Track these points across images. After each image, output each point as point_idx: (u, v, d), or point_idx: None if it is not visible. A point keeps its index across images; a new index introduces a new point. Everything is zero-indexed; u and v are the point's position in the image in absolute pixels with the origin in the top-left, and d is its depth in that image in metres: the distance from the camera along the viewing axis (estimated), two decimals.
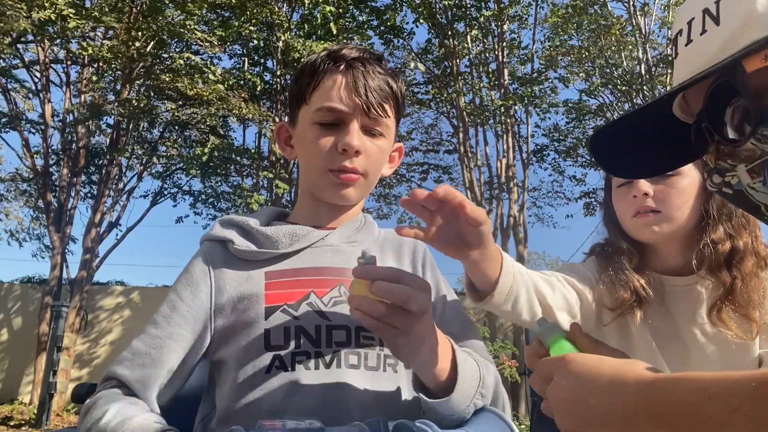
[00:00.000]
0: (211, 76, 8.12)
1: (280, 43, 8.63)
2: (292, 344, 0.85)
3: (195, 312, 0.89)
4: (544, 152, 12.56)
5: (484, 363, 0.88)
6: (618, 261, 1.23)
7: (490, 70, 10.87)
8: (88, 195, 10.54)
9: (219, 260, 0.94)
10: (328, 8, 8.28)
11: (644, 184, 1.17)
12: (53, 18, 7.18)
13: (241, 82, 9.14)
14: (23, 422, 7.36)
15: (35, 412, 7.21)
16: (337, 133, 0.91)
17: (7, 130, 9.86)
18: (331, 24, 8.37)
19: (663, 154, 0.71)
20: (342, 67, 0.92)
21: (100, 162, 10.09)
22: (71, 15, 7.22)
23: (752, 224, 1.18)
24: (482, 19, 10.18)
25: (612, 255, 1.25)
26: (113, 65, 8.20)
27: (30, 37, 8.54)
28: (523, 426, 7.37)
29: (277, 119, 8.21)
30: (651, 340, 1.19)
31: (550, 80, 11.14)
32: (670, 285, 1.21)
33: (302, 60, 1.04)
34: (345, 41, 8.41)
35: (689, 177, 1.17)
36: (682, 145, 0.66)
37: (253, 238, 0.95)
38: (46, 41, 8.56)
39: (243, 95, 8.49)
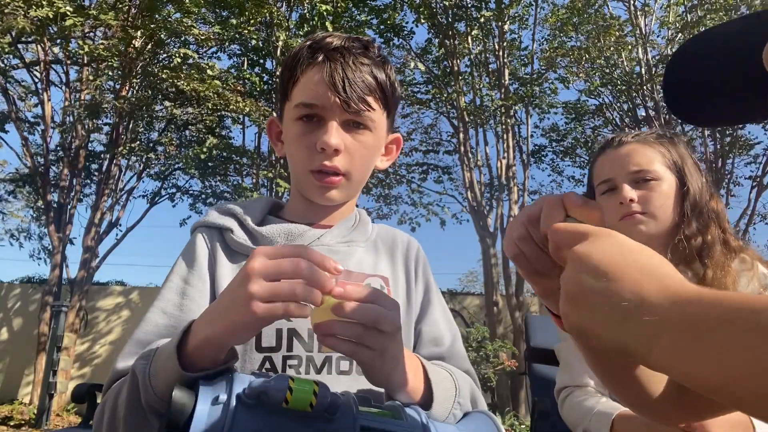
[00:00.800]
0: (209, 71, 8.11)
1: (280, 43, 8.63)
2: (284, 347, 0.83)
3: (206, 299, 0.86)
4: (543, 153, 12.56)
5: (457, 372, 0.87)
6: None
7: (490, 70, 10.87)
8: (88, 195, 10.52)
9: (218, 249, 0.91)
10: (324, 7, 8.28)
11: (629, 191, 1.27)
12: (51, 16, 7.17)
13: (241, 81, 9.15)
14: (23, 422, 7.35)
15: (35, 412, 7.21)
16: (317, 130, 0.88)
17: (7, 130, 9.85)
18: (327, 23, 8.36)
19: (734, 105, 0.62)
20: (320, 58, 0.87)
21: (100, 162, 10.08)
22: (69, 12, 7.22)
23: (720, 217, 1.28)
24: (482, 19, 10.18)
25: None
26: (111, 63, 8.19)
27: (30, 38, 8.53)
28: (523, 426, 7.37)
29: (275, 115, 8.18)
30: None
31: (549, 81, 11.14)
32: None
33: None
34: None
35: (667, 181, 1.29)
36: (755, 100, 0.57)
37: (249, 233, 0.92)
38: (46, 41, 8.56)
39: (239, 88, 8.48)
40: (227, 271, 0.89)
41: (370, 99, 0.88)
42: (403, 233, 1.06)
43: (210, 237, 0.92)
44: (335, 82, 0.85)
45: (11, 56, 8.99)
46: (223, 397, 0.58)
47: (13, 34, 8.09)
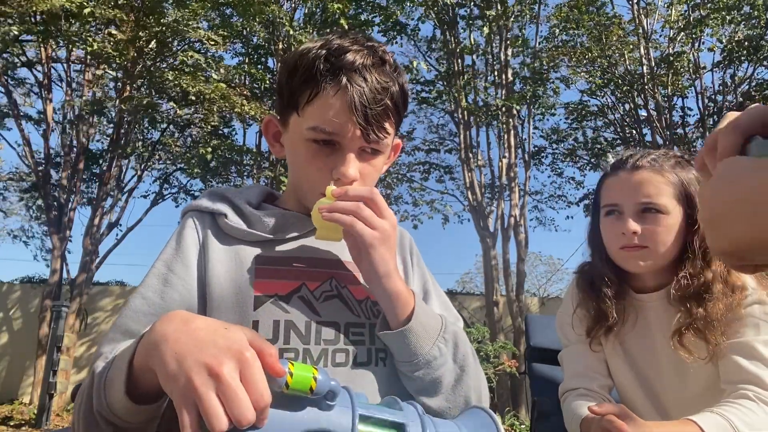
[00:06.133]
0: (214, 75, 8.11)
1: (281, 44, 8.64)
2: (281, 339, 0.82)
3: (189, 288, 0.84)
4: (542, 154, 12.54)
5: (448, 319, 0.89)
6: (597, 288, 1.36)
7: (495, 69, 10.87)
8: (88, 192, 10.52)
9: (209, 235, 0.88)
10: (336, 6, 8.27)
11: (633, 224, 1.27)
12: (68, 6, 7.19)
13: (246, 79, 9.14)
14: (23, 422, 7.35)
15: (35, 412, 7.21)
16: (332, 154, 0.85)
17: (9, 127, 9.88)
18: (342, 20, 8.35)
19: None
20: (343, 81, 0.83)
21: (101, 162, 10.09)
22: (85, 2, 7.24)
23: None
24: (485, 19, 10.19)
25: (593, 281, 1.38)
26: (117, 62, 8.19)
27: (35, 35, 8.51)
28: (523, 426, 7.36)
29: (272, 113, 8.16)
30: (623, 356, 1.35)
31: (551, 81, 11.13)
32: (646, 301, 1.34)
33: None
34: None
35: (674, 215, 1.27)
36: None
37: (244, 216, 0.90)
38: (50, 40, 8.55)
39: (245, 92, 8.47)
40: (220, 255, 0.87)
41: (387, 125, 0.87)
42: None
43: (201, 222, 0.90)
44: (358, 111, 0.82)
45: (12, 54, 8.98)
46: None
47: (15, 32, 8.07)
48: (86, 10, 7.19)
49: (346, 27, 8.29)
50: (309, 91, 0.85)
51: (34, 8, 7.06)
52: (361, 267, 0.82)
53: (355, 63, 0.84)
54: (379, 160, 0.91)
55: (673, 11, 10.20)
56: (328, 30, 8.53)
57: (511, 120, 10.27)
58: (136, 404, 0.65)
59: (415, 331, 0.80)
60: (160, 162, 10.41)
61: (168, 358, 0.58)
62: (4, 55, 8.86)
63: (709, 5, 9.23)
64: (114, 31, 7.91)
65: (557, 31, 10.87)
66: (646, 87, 9.86)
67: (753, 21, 9.35)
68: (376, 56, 0.87)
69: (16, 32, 7.68)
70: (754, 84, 9.78)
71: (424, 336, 0.81)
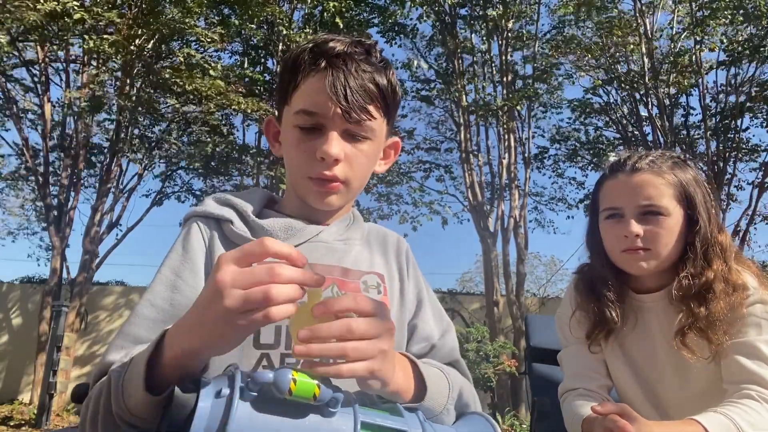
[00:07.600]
0: (211, 72, 8.11)
1: (280, 45, 8.64)
2: (283, 345, 0.82)
3: (197, 293, 0.80)
4: (544, 155, 12.51)
5: (446, 368, 0.87)
6: (598, 290, 1.36)
7: (493, 69, 10.85)
8: (89, 188, 10.51)
9: (215, 240, 0.89)
10: (332, 4, 8.27)
11: (636, 226, 1.27)
12: (59, 10, 7.19)
13: (244, 79, 9.14)
14: (23, 422, 7.35)
15: (35, 412, 7.21)
16: (316, 138, 0.86)
17: (8, 128, 9.88)
18: (338, 19, 8.35)
19: None
20: (322, 65, 0.85)
21: (101, 161, 10.08)
22: (75, 8, 7.24)
23: (726, 253, 1.28)
24: (487, 20, 10.19)
25: (594, 283, 1.38)
26: (114, 60, 8.19)
27: (31, 36, 8.51)
28: (523, 426, 7.37)
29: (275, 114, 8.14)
30: (623, 358, 1.36)
31: (554, 77, 11.10)
32: (647, 302, 1.35)
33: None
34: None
35: (675, 216, 1.27)
36: None
37: (248, 224, 0.91)
38: (45, 42, 8.55)
39: (240, 89, 8.47)
40: None
41: (371, 108, 0.87)
42: (392, 232, 1.06)
43: (207, 227, 0.90)
44: (337, 91, 0.83)
45: (10, 54, 8.97)
46: (226, 390, 0.58)
47: (13, 31, 8.06)
48: (76, 16, 7.18)
49: (341, 26, 8.30)
50: (293, 82, 0.88)
51: (24, 17, 7.04)
52: (358, 383, 0.70)
53: (335, 49, 0.86)
54: (366, 145, 0.90)
55: (678, 9, 10.15)
56: (327, 30, 8.54)
57: (512, 122, 10.26)
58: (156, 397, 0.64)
59: (425, 407, 0.76)
60: (161, 160, 10.39)
61: (197, 328, 0.62)
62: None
63: (713, 4, 9.19)
64: (109, 31, 7.91)
65: (555, 33, 10.87)
66: (648, 86, 9.83)
67: (755, 21, 9.32)
68: (361, 48, 0.88)
69: (5, 43, 7.68)
70: (755, 83, 9.76)
71: (433, 407, 0.78)
